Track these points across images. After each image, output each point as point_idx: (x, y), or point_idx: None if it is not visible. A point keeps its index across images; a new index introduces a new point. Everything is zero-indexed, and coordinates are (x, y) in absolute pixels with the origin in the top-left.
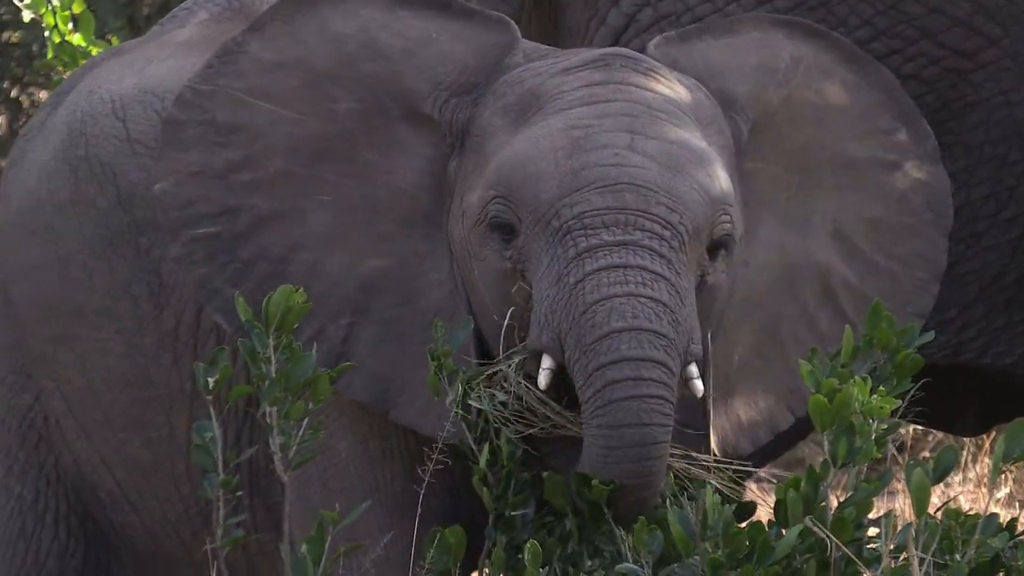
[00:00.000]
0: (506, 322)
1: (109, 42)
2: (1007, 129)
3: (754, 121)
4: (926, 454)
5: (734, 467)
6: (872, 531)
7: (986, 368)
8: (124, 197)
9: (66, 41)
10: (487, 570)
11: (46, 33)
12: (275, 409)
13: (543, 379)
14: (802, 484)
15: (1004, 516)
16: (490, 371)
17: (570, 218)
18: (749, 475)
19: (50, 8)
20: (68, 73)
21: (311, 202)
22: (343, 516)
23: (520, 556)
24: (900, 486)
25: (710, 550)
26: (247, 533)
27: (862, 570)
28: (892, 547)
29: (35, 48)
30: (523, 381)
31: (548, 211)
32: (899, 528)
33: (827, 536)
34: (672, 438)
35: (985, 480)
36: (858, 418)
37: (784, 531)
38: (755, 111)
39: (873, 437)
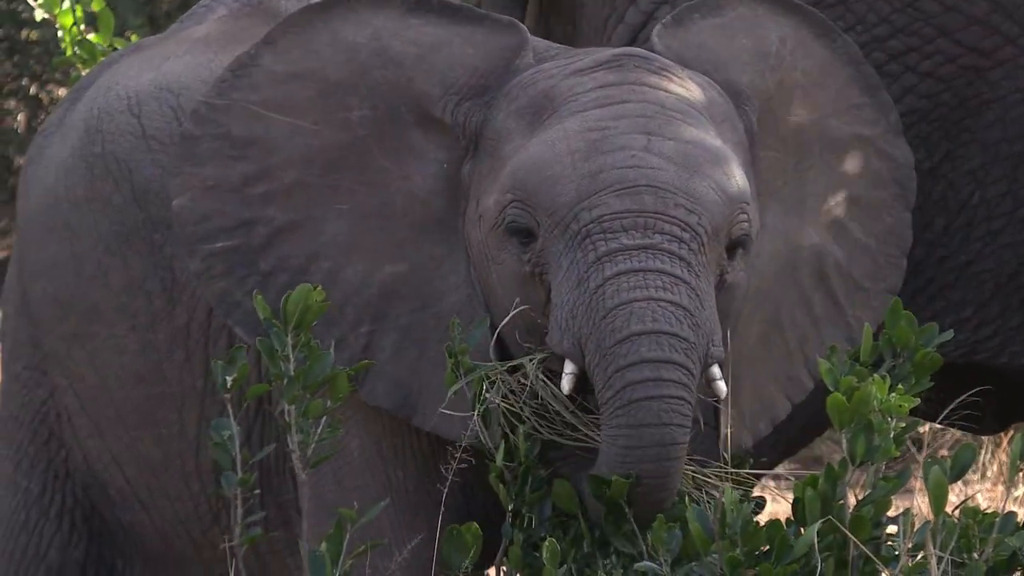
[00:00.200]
0: (515, 308)
1: (129, 40)
2: None
3: (758, 111)
4: (944, 452)
5: (745, 473)
6: (890, 529)
7: (1003, 367)
8: (139, 193)
9: (85, 38)
10: (503, 568)
11: (59, 33)
12: (294, 407)
13: (567, 384)
14: (820, 482)
15: (1022, 514)
16: (510, 364)
17: (589, 221)
18: (759, 477)
19: (64, 8)
20: (87, 70)
21: (328, 211)
22: (360, 514)
23: (537, 554)
24: (918, 484)
25: (728, 548)
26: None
27: (880, 568)
28: (910, 545)
29: (53, 45)
30: (542, 376)
31: (566, 215)
32: (917, 526)
33: (846, 534)
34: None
35: (1003, 478)
36: (876, 416)
37: (802, 529)
38: (758, 100)
39: (891, 435)
